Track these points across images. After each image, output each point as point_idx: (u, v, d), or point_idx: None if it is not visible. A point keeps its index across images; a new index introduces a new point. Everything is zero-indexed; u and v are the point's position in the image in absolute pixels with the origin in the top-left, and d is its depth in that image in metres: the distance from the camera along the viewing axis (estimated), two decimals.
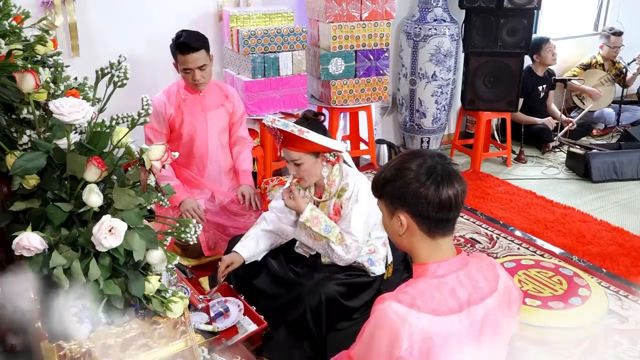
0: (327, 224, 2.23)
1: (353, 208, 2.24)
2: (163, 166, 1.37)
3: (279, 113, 3.64)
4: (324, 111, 4.09)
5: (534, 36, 4.84)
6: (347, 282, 2.28)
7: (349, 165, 2.37)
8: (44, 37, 1.49)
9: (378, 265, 2.37)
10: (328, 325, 2.19)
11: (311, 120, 2.27)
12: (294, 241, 2.52)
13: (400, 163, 1.36)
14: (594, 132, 5.21)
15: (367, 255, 2.35)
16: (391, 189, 1.35)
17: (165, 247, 1.43)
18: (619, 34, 5.21)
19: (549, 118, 4.86)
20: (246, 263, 2.43)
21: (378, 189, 1.40)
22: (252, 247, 2.44)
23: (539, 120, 4.81)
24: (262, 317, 2.24)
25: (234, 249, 2.43)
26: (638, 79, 5.36)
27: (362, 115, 4.28)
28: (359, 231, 2.24)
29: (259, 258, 2.47)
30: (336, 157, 2.31)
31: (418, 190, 1.31)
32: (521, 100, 4.66)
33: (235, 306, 2.28)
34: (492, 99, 4.36)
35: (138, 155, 1.36)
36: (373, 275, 2.35)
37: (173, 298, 1.41)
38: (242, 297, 2.35)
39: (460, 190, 1.33)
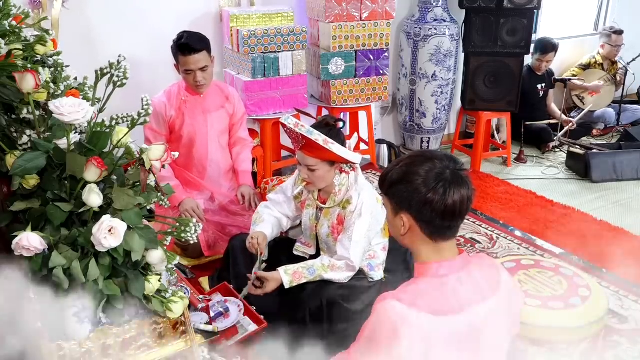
0: (308, 268, 2.23)
1: (356, 222, 2.23)
2: (163, 166, 1.37)
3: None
4: (324, 111, 4.10)
5: (546, 37, 4.86)
6: (349, 285, 2.28)
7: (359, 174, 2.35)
8: (44, 37, 1.49)
9: (377, 270, 2.36)
10: (328, 327, 2.19)
11: (332, 128, 2.23)
12: (293, 243, 2.51)
13: (409, 165, 1.35)
14: (594, 132, 5.20)
15: (366, 260, 2.35)
16: (397, 191, 1.35)
17: (165, 247, 1.43)
18: (620, 32, 5.21)
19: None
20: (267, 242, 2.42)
21: (384, 187, 1.40)
22: (269, 228, 2.42)
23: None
24: (262, 317, 2.24)
25: (256, 230, 2.40)
26: (630, 78, 5.33)
27: (362, 115, 4.28)
28: (359, 246, 2.23)
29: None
30: (352, 168, 2.29)
31: (424, 197, 1.30)
32: None
33: (235, 306, 2.28)
34: (492, 99, 4.36)
35: (138, 155, 1.36)
36: (372, 280, 2.35)
37: (173, 298, 1.41)
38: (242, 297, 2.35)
39: (466, 197, 1.31)
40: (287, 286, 2.20)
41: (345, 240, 2.24)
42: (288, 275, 2.20)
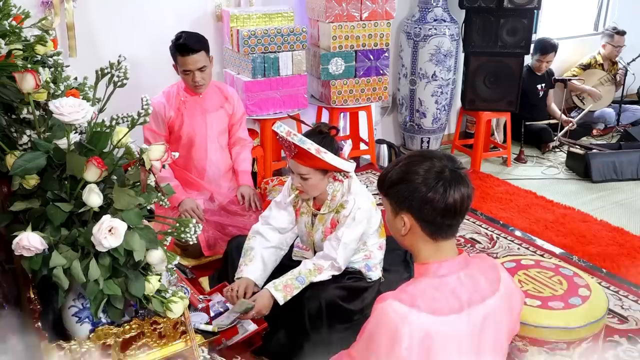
0: (297, 278, 2.18)
1: (349, 225, 2.21)
2: (163, 166, 1.37)
3: (280, 112, 3.64)
4: (324, 111, 4.10)
5: (545, 37, 4.85)
6: (347, 286, 2.27)
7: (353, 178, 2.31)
8: (44, 37, 1.49)
9: (375, 270, 2.36)
10: (328, 327, 2.19)
11: (325, 135, 2.18)
12: (291, 247, 2.50)
13: (408, 165, 1.35)
14: (594, 132, 5.20)
15: (363, 261, 2.34)
16: (397, 191, 1.35)
17: (165, 247, 1.43)
18: (622, 33, 5.20)
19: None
20: (260, 287, 2.29)
21: (384, 188, 1.40)
22: (260, 269, 2.31)
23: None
24: (262, 317, 2.24)
25: (242, 275, 2.28)
26: (630, 78, 5.33)
27: (362, 115, 4.28)
28: (347, 248, 2.21)
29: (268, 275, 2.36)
30: (345, 176, 2.26)
31: (425, 196, 1.30)
32: None
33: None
34: (492, 99, 4.36)
35: (138, 155, 1.36)
36: (370, 280, 2.34)
37: (173, 298, 1.41)
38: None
39: (466, 196, 1.32)
40: (281, 302, 2.14)
41: (333, 240, 2.22)
42: (279, 291, 2.14)
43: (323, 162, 2.12)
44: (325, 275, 2.22)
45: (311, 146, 2.09)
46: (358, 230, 2.22)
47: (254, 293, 2.25)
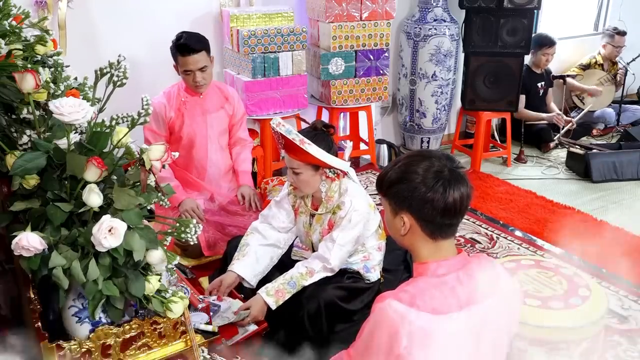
0: (288, 282, 2.18)
1: (345, 227, 2.21)
2: (163, 166, 1.37)
3: (283, 111, 3.64)
4: (324, 111, 4.10)
5: (543, 33, 4.85)
6: (347, 286, 2.27)
7: (353, 181, 2.31)
8: (44, 37, 1.49)
9: (373, 271, 2.35)
10: (328, 327, 2.19)
11: (319, 132, 2.19)
12: (290, 248, 2.50)
13: (407, 165, 1.35)
14: (594, 132, 5.20)
15: (362, 262, 2.34)
16: (396, 190, 1.35)
17: (165, 247, 1.43)
18: (623, 33, 5.20)
19: (555, 114, 4.81)
20: (252, 283, 2.31)
21: (383, 188, 1.40)
22: (251, 265, 2.32)
23: (544, 116, 4.78)
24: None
25: (231, 269, 2.31)
26: (630, 78, 5.32)
27: (362, 115, 4.29)
28: (342, 250, 2.21)
29: (263, 274, 2.36)
30: (336, 174, 2.25)
31: (425, 195, 1.30)
32: (523, 98, 4.66)
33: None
34: (492, 99, 4.35)
35: (138, 155, 1.36)
36: (369, 282, 2.34)
37: (173, 298, 1.41)
38: (242, 297, 2.35)
39: (465, 195, 1.32)
40: (273, 307, 2.15)
41: (329, 241, 2.22)
42: (271, 297, 2.15)
43: (310, 155, 2.12)
44: (316, 278, 2.22)
45: (296, 137, 2.11)
46: (354, 233, 2.22)
47: (243, 289, 2.27)
